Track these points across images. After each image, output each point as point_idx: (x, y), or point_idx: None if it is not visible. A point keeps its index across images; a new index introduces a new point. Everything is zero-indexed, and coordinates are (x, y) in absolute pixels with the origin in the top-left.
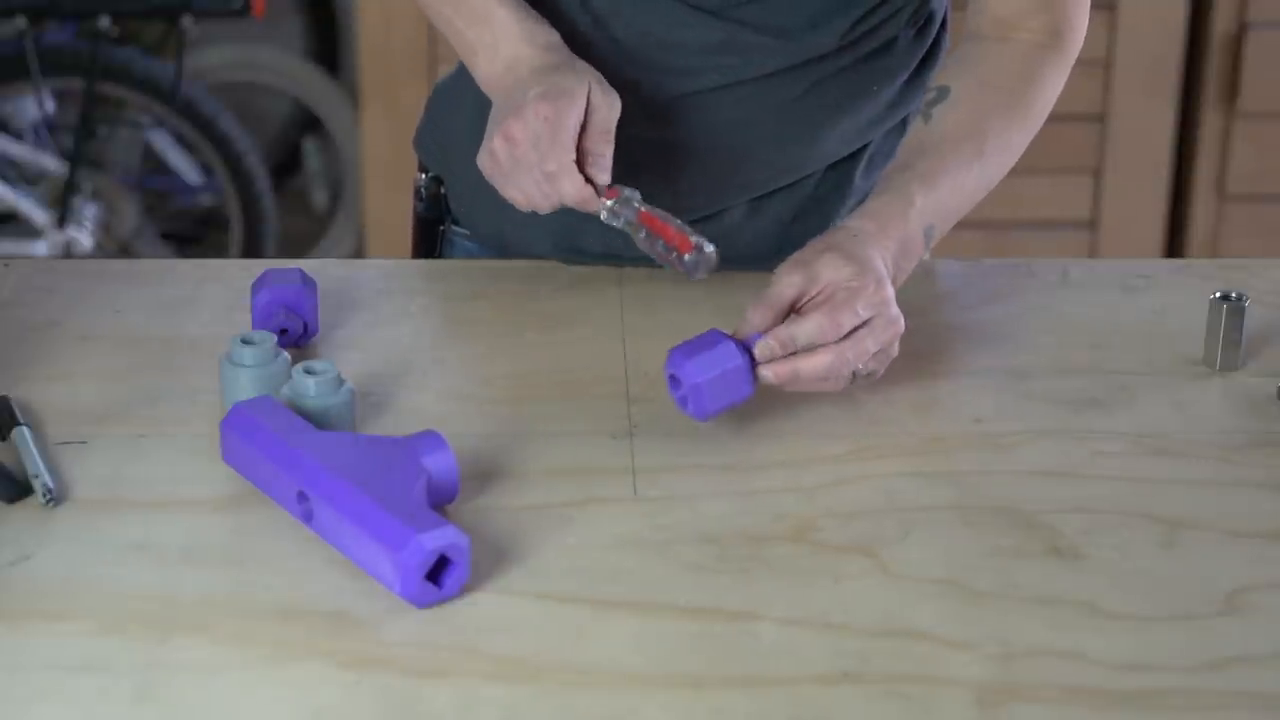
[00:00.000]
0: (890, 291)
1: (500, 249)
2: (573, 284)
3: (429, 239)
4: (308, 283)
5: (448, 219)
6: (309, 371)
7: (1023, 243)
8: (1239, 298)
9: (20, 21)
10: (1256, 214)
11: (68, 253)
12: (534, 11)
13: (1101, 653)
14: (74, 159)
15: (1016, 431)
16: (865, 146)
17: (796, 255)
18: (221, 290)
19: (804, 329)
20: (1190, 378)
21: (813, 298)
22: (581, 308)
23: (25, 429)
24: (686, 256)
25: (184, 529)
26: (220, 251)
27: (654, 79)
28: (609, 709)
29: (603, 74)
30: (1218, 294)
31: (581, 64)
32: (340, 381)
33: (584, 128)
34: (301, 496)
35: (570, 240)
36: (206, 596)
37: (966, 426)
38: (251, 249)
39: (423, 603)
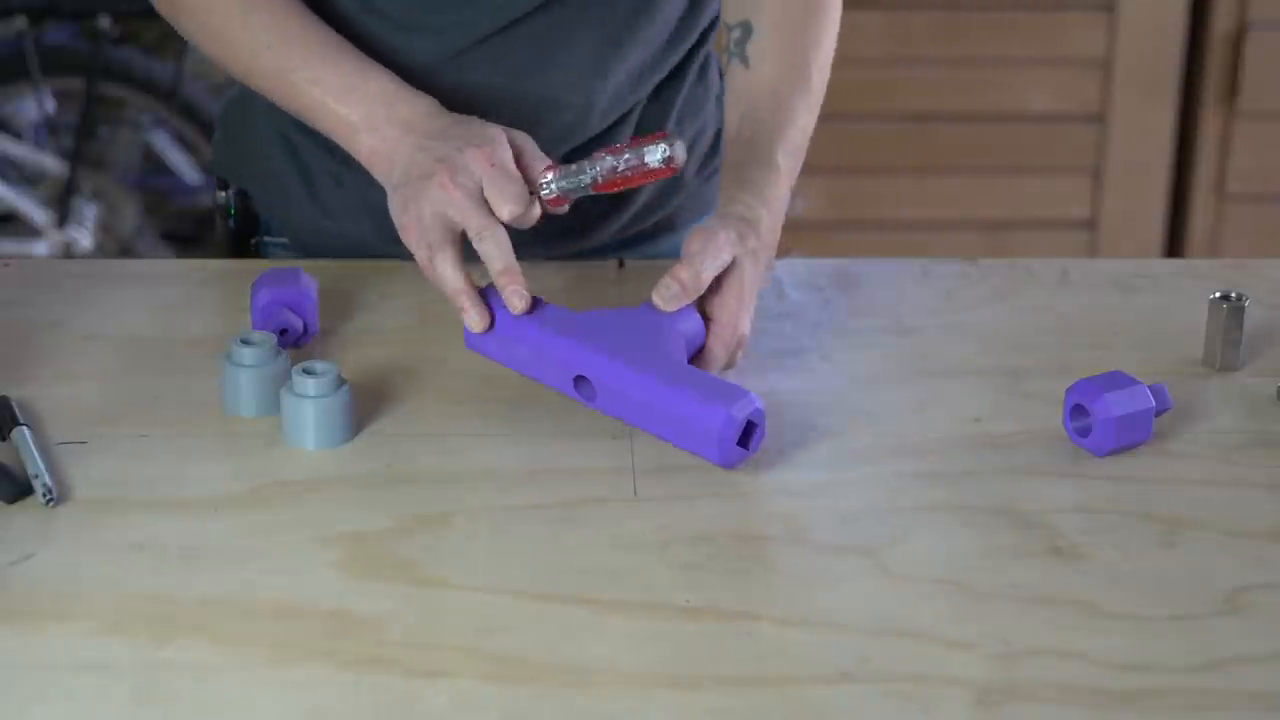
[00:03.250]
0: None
1: (320, 249)
2: (572, 284)
3: (243, 255)
4: (308, 283)
5: (260, 231)
6: (309, 371)
7: (1022, 243)
8: (1239, 298)
9: (20, 21)
10: (1256, 214)
11: (68, 253)
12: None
13: (1101, 652)
14: (74, 159)
15: (1016, 431)
16: (678, 91)
17: (718, 241)
18: (221, 290)
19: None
20: (1190, 378)
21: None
22: (581, 308)
23: (25, 429)
24: (660, 146)
25: (184, 529)
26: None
27: (429, 40)
28: (608, 709)
29: (384, 41)
30: (1218, 294)
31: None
32: (340, 381)
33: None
34: (580, 380)
35: (394, 229)
36: (206, 596)
37: (966, 426)
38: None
39: (733, 464)
